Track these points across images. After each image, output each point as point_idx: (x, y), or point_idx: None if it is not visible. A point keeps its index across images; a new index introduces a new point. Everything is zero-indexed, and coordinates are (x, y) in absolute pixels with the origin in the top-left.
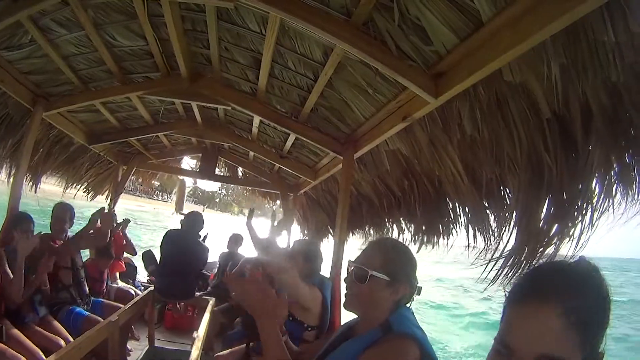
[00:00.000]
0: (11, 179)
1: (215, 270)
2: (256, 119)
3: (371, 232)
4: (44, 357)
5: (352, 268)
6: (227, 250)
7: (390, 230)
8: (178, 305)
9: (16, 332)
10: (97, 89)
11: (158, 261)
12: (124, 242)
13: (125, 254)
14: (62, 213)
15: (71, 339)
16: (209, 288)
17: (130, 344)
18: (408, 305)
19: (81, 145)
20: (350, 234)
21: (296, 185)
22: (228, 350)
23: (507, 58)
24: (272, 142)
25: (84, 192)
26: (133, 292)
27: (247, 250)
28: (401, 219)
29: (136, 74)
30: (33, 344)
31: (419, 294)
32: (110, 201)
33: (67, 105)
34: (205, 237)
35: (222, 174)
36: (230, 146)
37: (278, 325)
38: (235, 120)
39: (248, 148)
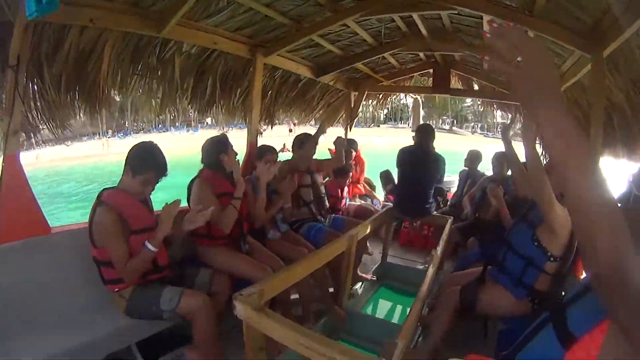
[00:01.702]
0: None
1: (455, 189)
2: (486, 20)
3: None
4: (283, 264)
5: None
6: (465, 168)
7: None
8: (415, 223)
9: (258, 244)
10: (311, 23)
11: (395, 180)
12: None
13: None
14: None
15: (313, 249)
16: (447, 206)
17: (363, 258)
18: None
19: (309, 79)
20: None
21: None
22: (463, 272)
23: None
24: None
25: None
26: (372, 209)
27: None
28: None
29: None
30: (274, 254)
31: None
32: (347, 127)
33: (284, 47)
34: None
35: (456, 88)
36: (463, 57)
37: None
38: (463, 26)
39: (481, 55)
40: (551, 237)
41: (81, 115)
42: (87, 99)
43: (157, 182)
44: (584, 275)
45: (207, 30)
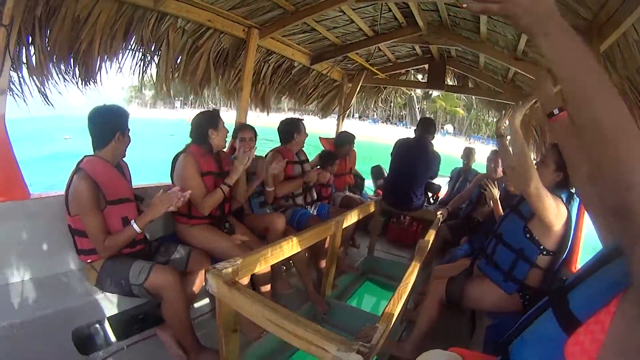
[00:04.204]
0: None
1: (446, 188)
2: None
3: None
4: (262, 244)
5: None
6: (457, 167)
7: None
8: (403, 218)
9: (239, 223)
10: (307, 7)
11: (385, 176)
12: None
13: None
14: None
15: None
16: (437, 203)
17: (350, 251)
18: None
19: (303, 67)
20: None
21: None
22: (452, 264)
23: None
24: (503, 42)
25: (314, 111)
26: (359, 201)
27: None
28: None
29: None
30: (252, 227)
31: None
32: (339, 118)
33: (279, 29)
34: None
35: (451, 84)
36: (459, 53)
37: None
38: (460, 19)
39: (477, 50)
40: (544, 229)
41: (78, 85)
42: (80, 68)
43: (129, 130)
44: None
45: (202, 7)
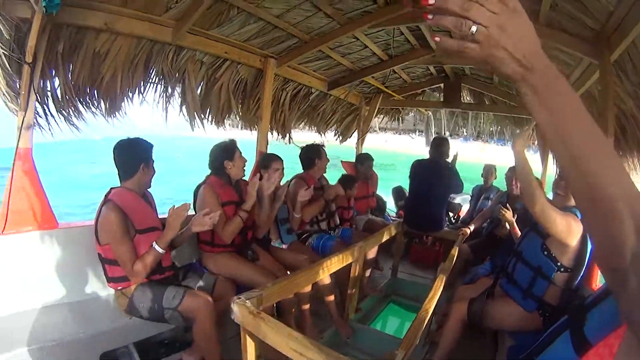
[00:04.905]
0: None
1: (467, 206)
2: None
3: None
4: (287, 272)
5: None
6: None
7: None
8: (425, 239)
9: (263, 252)
10: (320, 36)
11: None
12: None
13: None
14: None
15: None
16: (459, 223)
17: (373, 274)
18: None
19: (320, 93)
20: None
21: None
22: (474, 284)
23: None
24: None
25: (334, 136)
26: (381, 224)
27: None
28: None
29: (354, 11)
30: (278, 262)
31: None
32: (358, 142)
33: (294, 58)
34: (455, 157)
35: (468, 102)
36: (473, 71)
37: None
38: None
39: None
40: (561, 246)
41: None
42: (105, 100)
43: (153, 161)
44: (599, 286)
45: (218, 40)
